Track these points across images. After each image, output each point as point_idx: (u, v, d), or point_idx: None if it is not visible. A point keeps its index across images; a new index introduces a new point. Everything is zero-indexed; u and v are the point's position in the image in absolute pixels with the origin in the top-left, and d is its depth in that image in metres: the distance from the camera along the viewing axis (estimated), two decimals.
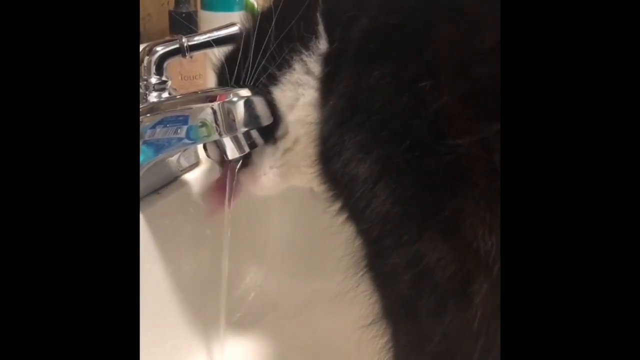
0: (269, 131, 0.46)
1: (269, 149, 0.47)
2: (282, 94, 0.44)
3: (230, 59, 0.47)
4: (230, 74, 0.46)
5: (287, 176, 0.48)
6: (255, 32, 0.44)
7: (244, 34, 0.47)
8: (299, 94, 0.43)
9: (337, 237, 0.38)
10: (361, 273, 0.37)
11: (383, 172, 0.32)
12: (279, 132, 0.46)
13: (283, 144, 0.46)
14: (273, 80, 0.43)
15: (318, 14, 0.41)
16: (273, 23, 0.42)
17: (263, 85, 0.44)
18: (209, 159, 0.55)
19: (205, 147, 0.52)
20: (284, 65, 0.43)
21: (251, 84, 0.45)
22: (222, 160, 0.51)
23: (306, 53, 0.41)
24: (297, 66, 0.42)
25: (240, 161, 0.50)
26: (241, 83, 0.45)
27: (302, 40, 0.41)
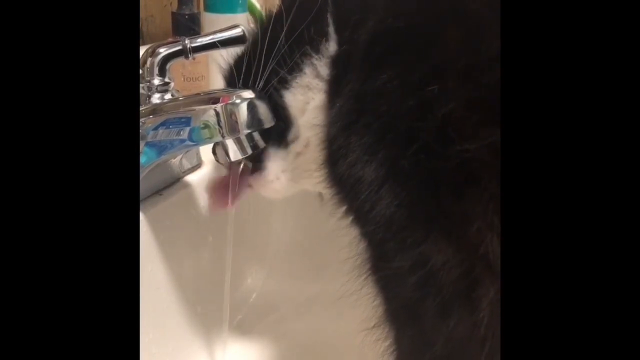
0: (280, 135, 0.46)
1: (281, 153, 0.47)
2: (294, 97, 0.44)
3: (240, 62, 0.47)
4: (239, 77, 0.46)
5: (298, 180, 0.48)
6: (268, 35, 0.43)
7: (253, 36, 0.47)
8: (309, 98, 0.43)
9: (340, 239, 0.38)
10: (365, 276, 0.36)
11: (388, 175, 0.32)
12: (291, 136, 0.46)
13: (295, 148, 0.46)
14: (284, 83, 0.43)
15: (329, 15, 0.41)
16: (285, 24, 0.42)
17: (274, 88, 0.44)
18: (212, 161, 0.55)
19: (214, 151, 0.52)
20: (295, 68, 0.43)
21: (261, 86, 0.45)
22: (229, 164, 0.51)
23: (316, 56, 0.41)
24: (308, 70, 0.42)
25: (243, 162, 0.50)
26: (250, 85, 0.45)
27: (312, 43, 0.41)
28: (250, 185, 0.50)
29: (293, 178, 0.47)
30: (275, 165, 0.47)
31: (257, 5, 0.72)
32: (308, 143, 0.45)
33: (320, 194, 0.49)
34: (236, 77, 0.46)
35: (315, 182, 0.45)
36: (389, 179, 0.32)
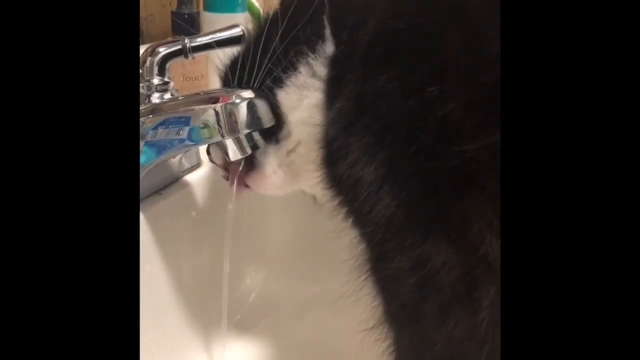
0: (271, 132, 0.46)
1: (272, 149, 0.46)
2: (287, 96, 0.43)
3: (235, 62, 0.47)
4: (233, 76, 0.46)
5: (295, 175, 0.47)
6: (264, 35, 0.43)
7: (250, 36, 0.47)
8: (303, 96, 0.43)
9: (340, 240, 0.38)
10: (364, 276, 0.36)
11: (388, 175, 0.32)
12: (282, 133, 0.45)
13: (286, 145, 0.46)
14: (278, 82, 0.43)
15: (325, 17, 0.41)
16: (280, 26, 0.42)
17: (268, 87, 0.44)
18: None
19: (208, 151, 0.52)
20: (290, 68, 0.42)
21: (256, 86, 0.44)
22: (225, 163, 0.51)
23: (312, 56, 0.41)
24: (303, 69, 0.42)
25: (243, 163, 0.50)
26: (244, 85, 0.45)
27: (308, 43, 0.41)
28: (247, 185, 0.50)
29: (290, 172, 0.47)
30: (270, 161, 0.47)
31: (257, 5, 0.72)
32: (300, 142, 0.44)
33: (314, 197, 0.49)
34: (230, 78, 0.46)
35: (309, 183, 0.45)
36: (388, 179, 0.32)
